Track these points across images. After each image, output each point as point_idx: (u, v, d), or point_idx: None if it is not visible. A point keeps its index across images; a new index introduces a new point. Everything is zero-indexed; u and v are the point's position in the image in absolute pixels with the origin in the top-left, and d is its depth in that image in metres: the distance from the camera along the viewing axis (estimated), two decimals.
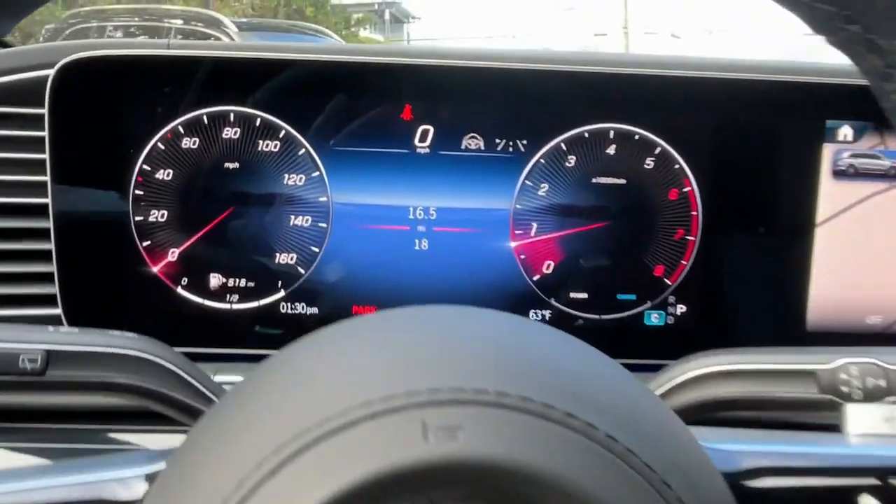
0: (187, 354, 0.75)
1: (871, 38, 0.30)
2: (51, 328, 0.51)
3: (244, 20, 8.07)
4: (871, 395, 0.49)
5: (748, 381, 0.52)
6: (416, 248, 0.75)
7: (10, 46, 0.85)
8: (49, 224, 0.72)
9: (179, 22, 6.74)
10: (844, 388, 0.49)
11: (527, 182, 0.75)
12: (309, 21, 10.83)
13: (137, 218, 0.73)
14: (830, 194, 0.75)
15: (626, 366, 0.77)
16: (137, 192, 0.73)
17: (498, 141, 0.74)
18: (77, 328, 0.52)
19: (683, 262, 0.76)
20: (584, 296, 0.76)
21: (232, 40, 6.19)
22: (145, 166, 0.73)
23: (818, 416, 0.52)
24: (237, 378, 0.71)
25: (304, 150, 0.73)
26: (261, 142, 0.73)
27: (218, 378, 0.71)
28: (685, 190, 0.75)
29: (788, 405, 0.51)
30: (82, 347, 0.49)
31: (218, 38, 6.34)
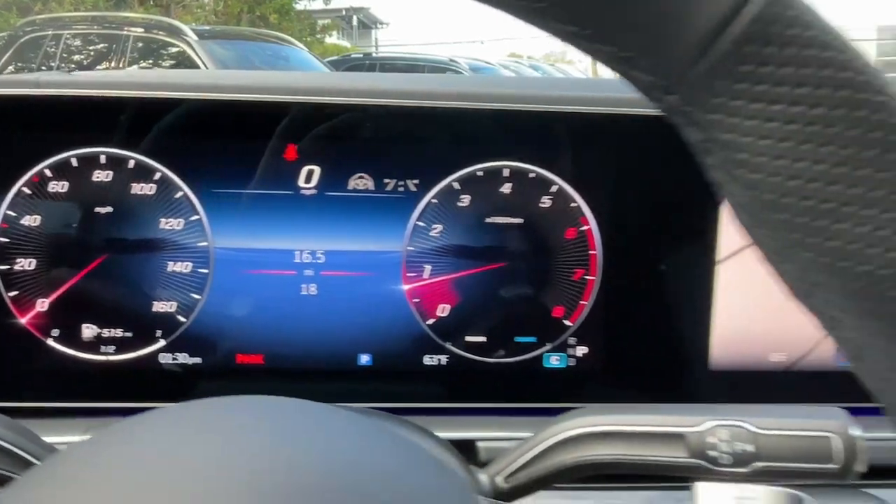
0: (62, 410, 0.72)
1: (688, 111, 0.28)
2: None
3: (206, 28, 7.98)
4: (740, 461, 0.48)
5: (620, 443, 0.50)
6: (304, 293, 0.72)
7: None
8: None
9: (140, 30, 6.66)
10: (712, 453, 0.48)
11: (418, 223, 0.72)
12: (273, 28, 10.72)
13: (3, 267, 0.69)
14: (731, 231, 0.74)
15: (528, 410, 0.76)
16: (2, 239, 0.69)
17: (387, 181, 0.71)
18: None
19: (583, 303, 0.74)
20: (482, 339, 0.74)
21: (192, 49, 6.13)
22: (10, 212, 0.69)
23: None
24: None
25: (181, 194, 0.70)
26: (135, 185, 0.70)
27: (90, 436, 0.67)
28: (583, 229, 0.73)
29: (659, 468, 0.49)
30: None
31: (178, 47, 6.27)
